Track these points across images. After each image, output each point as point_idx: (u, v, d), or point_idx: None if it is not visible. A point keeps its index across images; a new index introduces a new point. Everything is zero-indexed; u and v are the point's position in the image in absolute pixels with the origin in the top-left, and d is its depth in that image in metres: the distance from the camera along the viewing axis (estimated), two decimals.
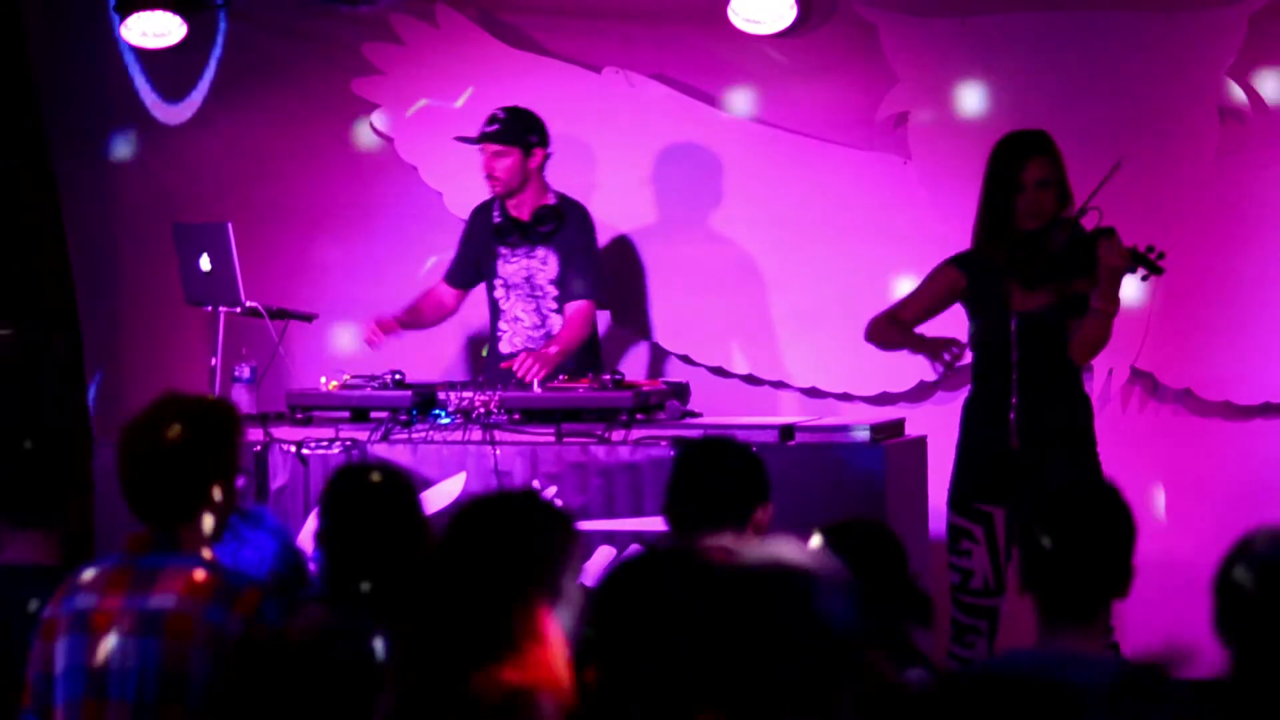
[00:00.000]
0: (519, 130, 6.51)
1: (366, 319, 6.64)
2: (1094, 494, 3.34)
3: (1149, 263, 5.62)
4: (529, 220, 6.57)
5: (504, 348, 6.65)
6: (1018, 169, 5.77)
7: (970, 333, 5.96)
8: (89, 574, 3.49)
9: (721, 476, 4.25)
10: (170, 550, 3.45)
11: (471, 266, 6.76)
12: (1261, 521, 7.35)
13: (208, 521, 3.48)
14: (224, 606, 3.35)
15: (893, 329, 5.98)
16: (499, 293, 6.68)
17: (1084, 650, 3.27)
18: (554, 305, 6.62)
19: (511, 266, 6.64)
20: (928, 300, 5.96)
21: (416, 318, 6.75)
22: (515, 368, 6.18)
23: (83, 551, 4.66)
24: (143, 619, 3.36)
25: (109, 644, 3.35)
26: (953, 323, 5.98)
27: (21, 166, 7.69)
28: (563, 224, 6.57)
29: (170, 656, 3.33)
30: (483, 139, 6.53)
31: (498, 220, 6.62)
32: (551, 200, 6.59)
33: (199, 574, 3.41)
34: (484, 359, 6.85)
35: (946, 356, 5.81)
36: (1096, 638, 3.31)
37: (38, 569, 3.93)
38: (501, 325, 6.69)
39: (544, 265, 6.61)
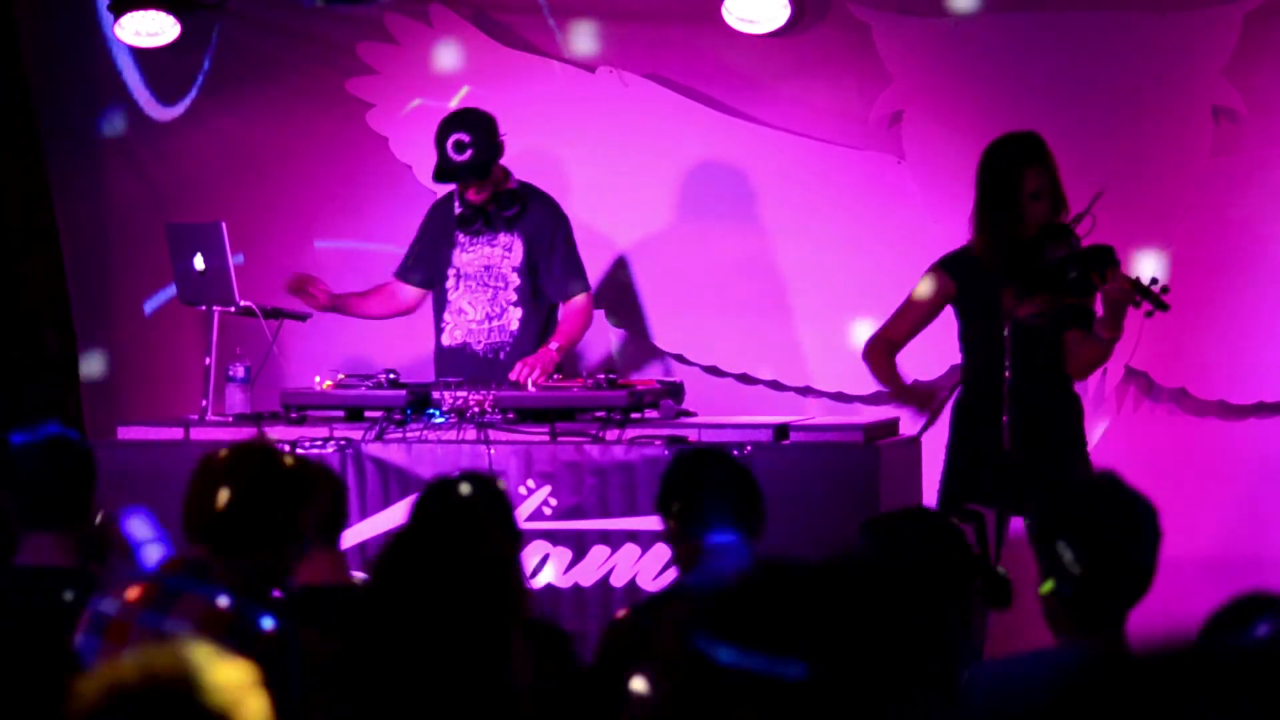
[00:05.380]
0: (491, 149, 6.32)
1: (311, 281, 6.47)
2: (1124, 504, 3.33)
3: (1154, 297, 5.61)
4: (492, 208, 6.44)
5: (445, 340, 6.54)
6: (1013, 180, 5.76)
7: (960, 334, 5.96)
8: (124, 581, 3.54)
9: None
10: (199, 577, 3.46)
11: (429, 264, 6.63)
12: (1257, 521, 7.37)
13: (267, 560, 3.50)
14: (237, 644, 3.34)
15: (884, 362, 5.97)
16: (449, 283, 6.54)
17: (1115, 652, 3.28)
18: (514, 297, 6.47)
19: (468, 255, 6.50)
20: (919, 313, 5.96)
21: (357, 304, 6.63)
22: (513, 377, 6.16)
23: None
24: (154, 637, 3.37)
25: (118, 651, 3.37)
26: (948, 326, 5.97)
27: (14, 166, 7.68)
28: (526, 209, 6.44)
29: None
30: (464, 177, 6.34)
31: (460, 210, 6.48)
32: (513, 185, 6.47)
33: (219, 604, 3.41)
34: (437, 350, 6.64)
35: (934, 404, 5.84)
36: (1123, 639, 3.33)
37: (55, 571, 3.92)
38: (445, 317, 6.56)
39: (508, 253, 6.46)
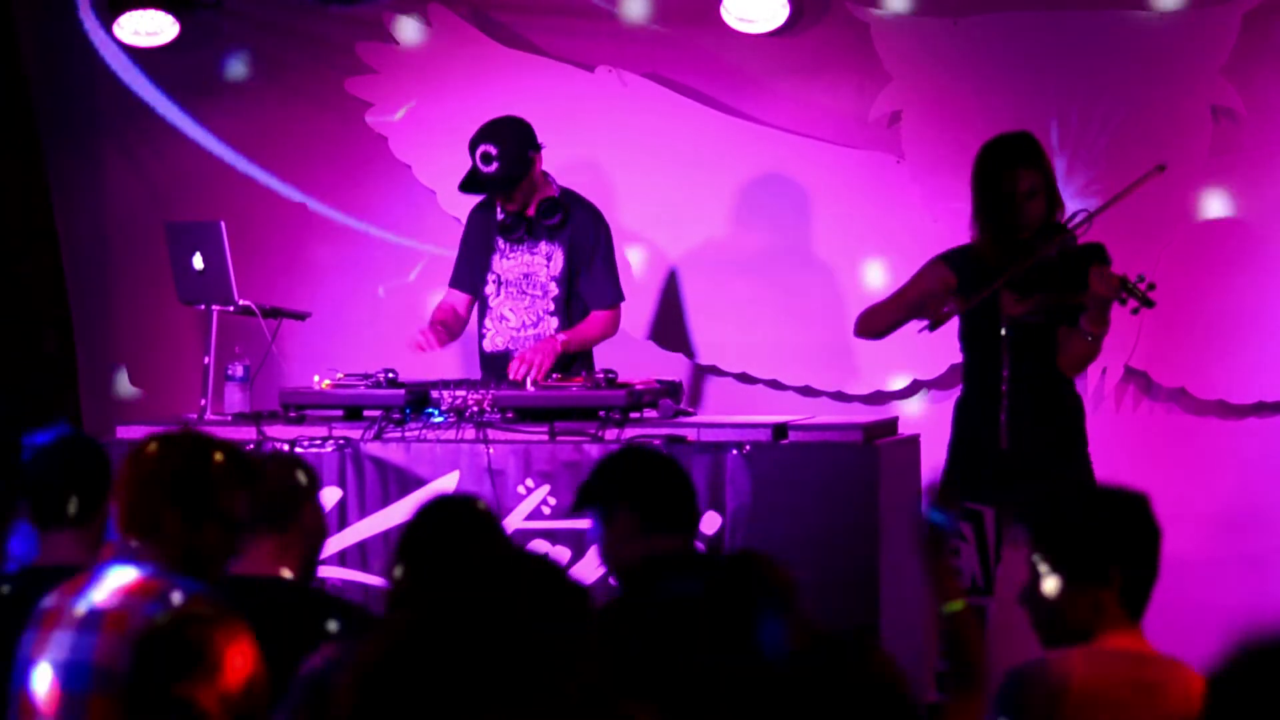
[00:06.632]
0: (520, 164, 6.32)
1: (419, 328, 6.41)
2: (1124, 507, 3.38)
3: (1139, 294, 5.60)
4: (534, 215, 6.44)
5: (487, 346, 6.55)
6: (1006, 181, 5.74)
7: (960, 332, 5.95)
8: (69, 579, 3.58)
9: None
10: (126, 559, 3.49)
11: (476, 269, 6.59)
12: (1256, 520, 7.35)
13: (181, 543, 3.49)
14: (163, 606, 3.36)
15: (883, 312, 5.95)
16: (489, 289, 6.54)
17: (1143, 646, 3.33)
18: (551, 307, 6.48)
19: (509, 262, 6.50)
20: (916, 297, 5.94)
21: (449, 334, 6.57)
22: (511, 372, 6.16)
23: None
24: (85, 616, 3.39)
25: (52, 638, 3.39)
26: (946, 334, 5.97)
27: (14, 166, 7.68)
28: (569, 218, 6.44)
29: (104, 650, 3.35)
30: (489, 189, 6.35)
31: (502, 217, 6.46)
32: (554, 192, 6.46)
33: (145, 577, 3.44)
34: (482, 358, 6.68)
35: (945, 309, 5.76)
36: (1143, 639, 3.37)
37: (74, 570, 3.93)
38: (486, 323, 6.57)
39: (547, 262, 6.46)
